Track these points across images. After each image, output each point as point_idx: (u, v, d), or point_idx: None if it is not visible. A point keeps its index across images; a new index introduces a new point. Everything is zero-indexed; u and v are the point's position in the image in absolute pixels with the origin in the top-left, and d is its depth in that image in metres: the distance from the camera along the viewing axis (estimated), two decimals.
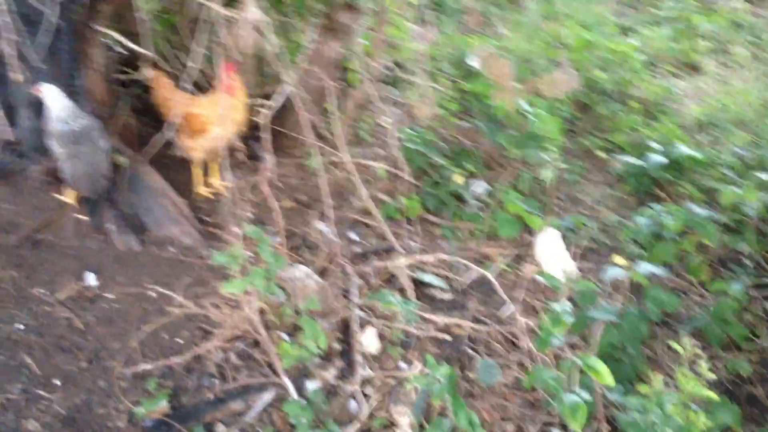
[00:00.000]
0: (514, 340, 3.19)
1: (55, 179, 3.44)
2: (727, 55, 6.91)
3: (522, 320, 2.86)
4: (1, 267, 3.13)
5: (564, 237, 3.84)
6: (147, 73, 3.73)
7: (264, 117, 3.25)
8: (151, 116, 4.15)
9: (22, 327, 2.86)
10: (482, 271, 3.17)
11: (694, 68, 6.78)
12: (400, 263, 3.34)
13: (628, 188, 4.61)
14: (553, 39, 6.06)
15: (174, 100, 3.80)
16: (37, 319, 2.92)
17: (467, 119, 4.98)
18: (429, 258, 3.42)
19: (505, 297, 3.00)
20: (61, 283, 3.12)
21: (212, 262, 2.83)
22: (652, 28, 7.28)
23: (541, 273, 3.52)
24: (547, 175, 4.09)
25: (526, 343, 2.88)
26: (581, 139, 5.22)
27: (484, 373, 2.80)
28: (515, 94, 4.00)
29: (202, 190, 3.93)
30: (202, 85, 4.08)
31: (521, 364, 3.06)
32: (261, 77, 4.51)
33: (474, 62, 4.39)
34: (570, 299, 2.80)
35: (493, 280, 3.01)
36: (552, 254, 3.75)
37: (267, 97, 3.65)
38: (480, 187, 4.30)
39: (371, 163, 4.26)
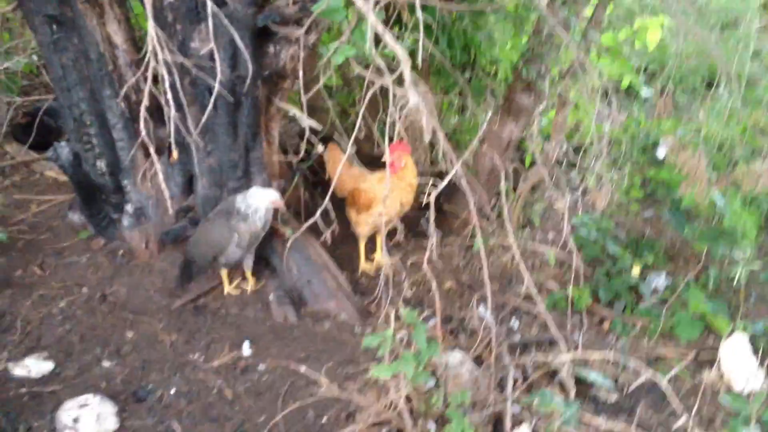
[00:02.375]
0: None
1: None
2: None
3: None
4: (164, 329, 3.38)
5: (753, 344, 3.49)
6: (319, 148, 3.94)
7: (431, 196, 3.29)
8: (323, 190, 4.39)
9: (173, 391, 3.03)
10: (654, 374, 2.94)
11: None
12: (562, 359, 3.18)
13: None
14: (753, 125, 5.66)
15: (345, 175, 3.97)
16: (189, 384, 3.08)
17: (652, 208, 4.75)
18: (596, 355, 3.23)
19: (678, 405, 2.75)
20: (217, 351, 3.29)
21: (363, 345, 2.85)
22: None
23: (727, 391, 3.25)
24: (737, 273, 3.76)
25: None
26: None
27: None
28: (707, 184, 3.75)
29: (366, 266, 4.03)
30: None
31: None
32: (432, 156, 4.60)
33: (662, 150, 4.20)
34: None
35: (665, 384, 2.78)
36: (738, 363, 3.41)
37: (439, 175, 3.73)
38: (659, 280, 4.05)
39: (540, 248, 4.19)
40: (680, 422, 3.05)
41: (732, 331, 3.55)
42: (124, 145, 3.70)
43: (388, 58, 3.40)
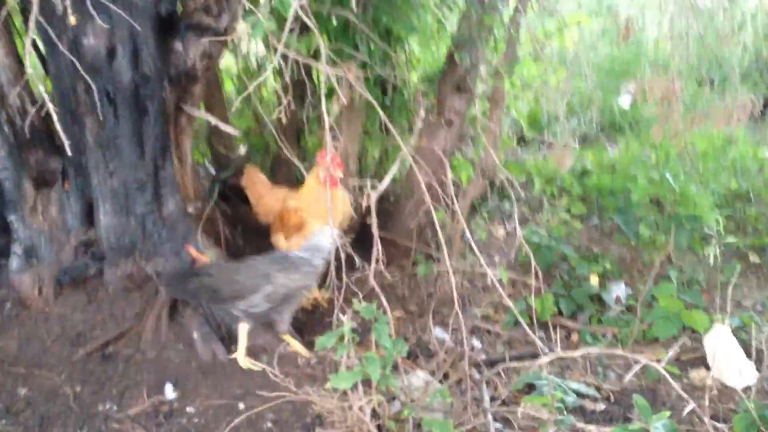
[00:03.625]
0: None
1: (136, 285, 3.22)
2: None
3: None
4: (65, 382, 2.86)
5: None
6: (241, 149, 3.59)
7: (370, 200, 3.00)
8: (243, 229, 4.02)
9: None
10: (648, 362, 2.62)
11: None
12: (541, 362, 2.83)
13: None
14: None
15: (268, 197, 3.63)
16: None
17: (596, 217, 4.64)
18: (575, 354, 2.90)
19: (684, 395, 2.46)
20: (134, 398, 2.78)
21: (317, 346, 2.44)
22: None
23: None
24: (710, 252, 3.58)
25: None
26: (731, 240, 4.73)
27: None
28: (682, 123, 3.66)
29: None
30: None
31: None
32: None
33: (626, 98, 4.11)
34: None
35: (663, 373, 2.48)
36: (726, 357, 3.17)
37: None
38: (620, 289, 3.86)
39: (488, 270, 3.94)
40: (689, 408, 2.76)
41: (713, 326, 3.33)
42: (8, 175, 3.22)
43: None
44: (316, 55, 2.87)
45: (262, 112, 4.13)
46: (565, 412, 2.67)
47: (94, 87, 2.72)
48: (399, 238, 4.08)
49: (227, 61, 4.84)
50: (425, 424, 2.39)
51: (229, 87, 4.91)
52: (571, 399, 2.83)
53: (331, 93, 3.42)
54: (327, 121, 2.54)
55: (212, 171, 3.93)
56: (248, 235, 4.02)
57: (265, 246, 3.87)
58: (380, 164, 4.69)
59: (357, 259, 2.90)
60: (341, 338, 2.42)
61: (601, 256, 4.09)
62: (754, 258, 4.45)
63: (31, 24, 2.37)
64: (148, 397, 2.77)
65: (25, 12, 3.48)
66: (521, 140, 6.26)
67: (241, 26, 3.33)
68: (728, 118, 3.84)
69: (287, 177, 4.26)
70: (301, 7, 2.48)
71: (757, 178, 5.31)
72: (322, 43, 2.57)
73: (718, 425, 2.50)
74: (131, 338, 3.12)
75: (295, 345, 3.11)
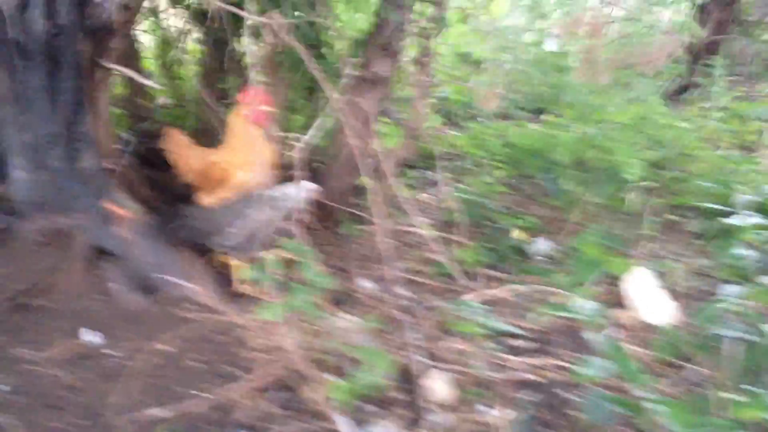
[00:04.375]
0: None
1: (50, 239, 3.22)
2: None
3: None
4: None
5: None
6: (160, 99, 3.61)
7: (299, 152, 3.08)
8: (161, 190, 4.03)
9: (6, 388, 2.52)
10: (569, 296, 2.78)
11: (749, 149, 6.68)
12: (468, 298, 2.95)
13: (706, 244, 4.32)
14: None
15: (190, 157, 3.65)
16: (23, 377, 2.59)
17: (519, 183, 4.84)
18: (500, 292, 3.04)
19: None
20: (54, 343, 2.79)
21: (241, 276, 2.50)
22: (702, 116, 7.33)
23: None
24: (631, 199, 3.77)
25: None
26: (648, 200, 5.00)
27: (594, 409, 2.36)
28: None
29: (221, 257, 3.65)
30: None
31: None
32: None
33: (551, 42, 4.26)
34: None
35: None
36: (647, 295, 3.35)
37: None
38: (542, 243, 4.04)
39: (414, 229, 4.08)
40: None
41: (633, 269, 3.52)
42: None
43: None
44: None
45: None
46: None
47: (4, 38, 2.74)
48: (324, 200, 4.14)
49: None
50: (356, 352, 2.47)
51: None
52: (495, 324, 2.95)
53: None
54: (251, 55, 2.59)
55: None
56: (169, 199, 4.03)
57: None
58: (306, 131, 4.75)
59: None
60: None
61: (525, 213, 4.25)
62: (670, 216, 4.71)
63: None
64: (68, 342, 2.77)
65: None
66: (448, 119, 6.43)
67: None
68: (650, 61, 4.05)
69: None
70: None
71: (673, 147, 5.59)
72: None
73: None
74: (48, 290, 3.11)
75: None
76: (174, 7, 4.54)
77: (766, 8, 10.57)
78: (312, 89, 4.60)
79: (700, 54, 8.55)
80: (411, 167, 5.25)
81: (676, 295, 3.41)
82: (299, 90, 4.56)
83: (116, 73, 3.48)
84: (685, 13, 8.16)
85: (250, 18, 2.83)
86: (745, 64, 9.77)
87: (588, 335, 2.74)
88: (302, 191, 3.24)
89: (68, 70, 3.06)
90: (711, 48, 8.69)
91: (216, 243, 3.32)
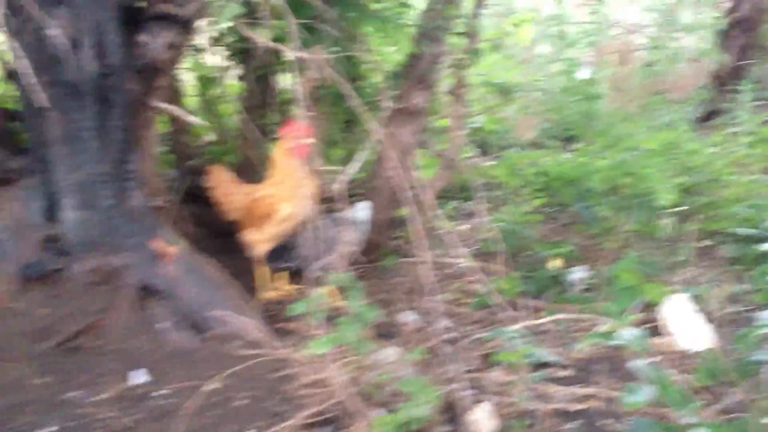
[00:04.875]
0: None
1: (102, 279, 3.17)
2: None
3: None
4: (31, 374, 2.78)
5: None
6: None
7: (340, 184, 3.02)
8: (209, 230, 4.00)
9: (55, 428, 2.44)
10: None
11: None
12: (511, 329, 2.86)
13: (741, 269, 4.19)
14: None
15: (234, 194, 3.62)
16: (75, 420, 2.50)
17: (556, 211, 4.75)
18: (543, 321, 2.94)
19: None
20: (104, 384, 2.72)
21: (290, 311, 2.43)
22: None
23: None
24: (665, 225, 3.67)
25: None
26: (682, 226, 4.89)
27: None
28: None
29: (268, 294, 3.59)
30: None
31: None
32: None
33: (585, 71, 4.22)
34: None
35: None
36: (684, 321, 3.24)
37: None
38: (581, 272, 3.93)
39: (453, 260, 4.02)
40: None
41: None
42: None
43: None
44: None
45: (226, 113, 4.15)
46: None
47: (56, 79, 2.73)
48: None
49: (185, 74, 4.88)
50: (401, 385, 2.39)
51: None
52: (541, 353, 2.87)
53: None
54: (298, 90, 2.55)
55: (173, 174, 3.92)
56: (216, 236, 4.01)
57: (233, 246, 3.87)
58: (345, 164, 4.72)
59: None
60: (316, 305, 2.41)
61: (562, 242, 4.16)
62: (705, 242, 4.58)
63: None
64: (118, 383, 2.71)
65: None
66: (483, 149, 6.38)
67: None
68: (677, 88, 3.97)
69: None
70: None
71: (704, 173, 5.48)
72: (291, 19, 2.59)
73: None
74: (98, 331, 3.05)
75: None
76: (215, 45, 4.53)
77: None
78: (350, 122, 4.56)
79: (725, 79, 8.42)
80: (449, 198, 5.17)
81: (713, 321, 3.30)
82: (338, 123, 4.52)
83: (162, 111, 3.45)
84: (708, 40, 8.08)
85: (292, 54, 2.78)
86: None
87: (632, 363, 2.64)
88: (365, 211, 3.15)
89: (118, 109, 3.05)
90: (736, 73, 8.55)
91: (315, 269, 3.25)
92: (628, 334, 2.53)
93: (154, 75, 3.22)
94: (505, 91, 5.34)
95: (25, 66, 2.69)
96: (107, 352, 2.95)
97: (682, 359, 3.06)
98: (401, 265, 3.98)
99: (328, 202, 3.71)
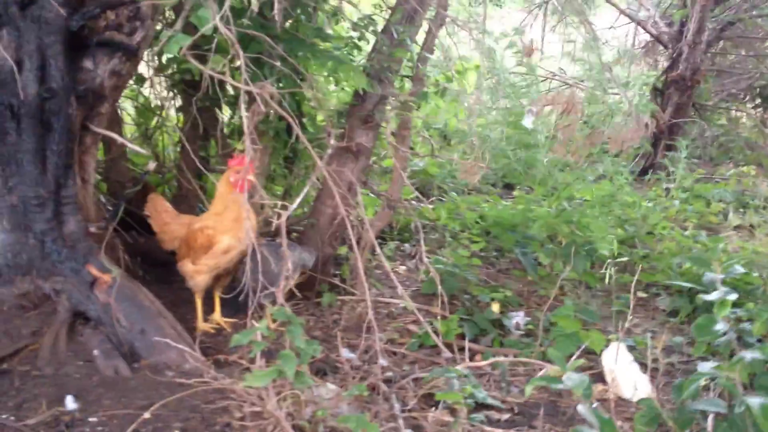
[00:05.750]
0: None
1: (33, 303, 3.21)
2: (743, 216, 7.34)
3: None
4: None
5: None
6: (150, 165, 3.66)
7: (281, 219, 3.13)
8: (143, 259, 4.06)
9: None
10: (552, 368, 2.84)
11: (713, 229, 6.94)
12: (455, 371, 2.99)
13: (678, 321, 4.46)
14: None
15: (173, 224, 3.69)
16: None
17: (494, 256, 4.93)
18: (483, 364, 3.09)
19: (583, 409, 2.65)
20: (32, 410, 2.74)
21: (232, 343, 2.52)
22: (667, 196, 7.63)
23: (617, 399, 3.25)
24: (604, 275, 3.90)
25: None
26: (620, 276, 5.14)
27: None
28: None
29: (204, 325, 3.66)
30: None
31: None
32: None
33: (529, 119, 4.46)
34: None
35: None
36: (622, 370, 3.44)
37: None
38: (520, 316, 4.11)
39: (392, 300, 4.17)
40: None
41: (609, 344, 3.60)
42: None
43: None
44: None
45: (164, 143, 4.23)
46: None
47: None
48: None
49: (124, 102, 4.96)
50: (340, 421, 2.49)
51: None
52: (481, 395, 2.99)
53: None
54: (246, 123, 2.67)
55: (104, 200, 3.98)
56: (150, 265, 4.06)
57: (167, 276, 3.93)
58: (284, 199, 4.83)
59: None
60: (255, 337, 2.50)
61: (501, 287, 4.34)
62: (641, 293, 4.83)
63: None
64: (47, 409, 2.73)
65: None
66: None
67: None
68: (615, 141, 4.24)
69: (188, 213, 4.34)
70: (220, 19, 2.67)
71: (641, 226, 5.79)
72: (241, 53, 2.73)
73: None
74: (27, 356, 3.07)
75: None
76: (157, 75, 4.63)
77: (722, 94, 11.08)
78: (291, 158, 4.69)
79: (662, 135, 8.90)
80: (389, 238, 5.34)
81: (651, 370, 3.49)
82: (280, 158, 4.65)
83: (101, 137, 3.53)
84: (645, 96, 8.51)
85: (240, 87, 2.91)
86: (705, 146, 10.18)
87: (579, 408, 2.79)
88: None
89: (59, 133, 3.13)
90: (672, 130, 9.04)
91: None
92: (574, 378, 2.67)
93: (96, 101, 3.30)
94: (446, 136, 5.57)
95: None
96: (36, 377, 2.96)
97: (622, 406, 3.25)
98: (340, 302, 4.09)
99: (267, 236, 3.83)
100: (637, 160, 9.02)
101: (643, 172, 8.85)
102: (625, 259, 4.85)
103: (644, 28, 10.23)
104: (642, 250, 5.39)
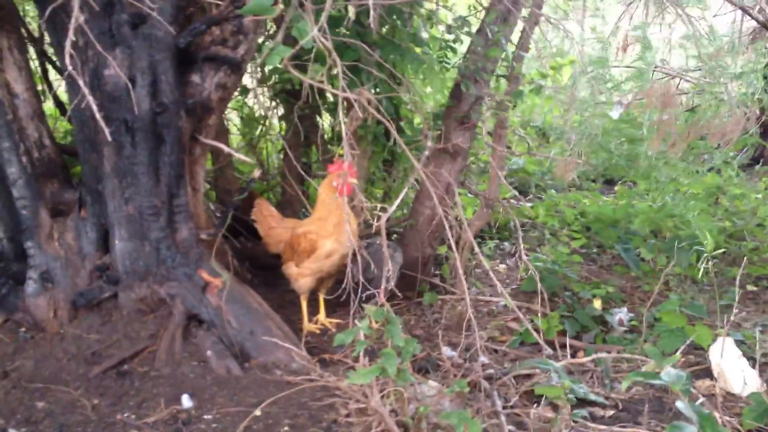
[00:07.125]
0: None
1: (150, 308, 3.37)
2: None
3: None
4: (83, 396, 2.95)
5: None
6: (256, 173, 3.77)
7: (381, 220, 3.17)
8: (251, 264, 4.20)
9: None
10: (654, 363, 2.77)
11: None
12: (553, 365, 2.96)
13: None
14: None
15: (278, 228, 3.80)
16: None
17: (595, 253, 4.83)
18: (585, 360, 3.05)
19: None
20: (151, 408, 2.88)
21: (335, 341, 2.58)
22: None
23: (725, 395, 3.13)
24: (709, 269, 3.77)
25: None
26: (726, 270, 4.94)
27: None
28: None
29: (310, 326, 3.75)
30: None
31: None
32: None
33: (617, 110, 4.37)
34: None
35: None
36: (730, 365, 3.30)
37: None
38: (623, 312, 4.03)
39: (492, 298, 4.16)
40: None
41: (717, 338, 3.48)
42: (26, 204, 3.36)
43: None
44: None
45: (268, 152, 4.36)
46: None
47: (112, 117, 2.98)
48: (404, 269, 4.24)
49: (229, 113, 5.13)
50: (443, 417, 2.50)
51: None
52: (581, 390, 2.95)
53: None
54: (344, 129, 2.73)
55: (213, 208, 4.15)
56: (256, 269, 4.20)
57: (273, 279, 4.04)
58: (383, 201, 4.89)
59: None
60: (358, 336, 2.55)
61: (602, 283, 4.26)
62: (750, 287, 4.64)
63: (67, 59, 2.56)
64: (165, 408, 2.87)
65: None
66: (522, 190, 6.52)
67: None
68: (721, 133, 4.09)
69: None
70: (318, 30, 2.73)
71: (750, 219, 5.56)
72: (338, 61, 2.78)
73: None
74: (146, 357, 3.24)
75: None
76: (260, 86, 4.78)
77: None
78: (390, 162, 4.74)
79: None
80: (488, 237, 5.32)
81: (760, 365, 3.35)
82: (378, 162, 4.71)
83: (209, 148, 3.67)
84: (754, 86, 8.12)
85: (339, 94, 2.97)
86: None
87: (678, 404, 2.71)
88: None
89: (170, 145, 3.26)
90: None
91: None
92: (671, 374, 2.61)
93: (204, 113, 3.44)
94: (544, 133, 5.50)
95: (88, 103, 2.93)
96: (155, 377, 3.12)
97: (729, 401, 3.14)
98: (440, 301, 4.11)
99: (367, 238, 3.89)
100: (745, 151, 8.65)
101: (751, 163, 8.47)
102: (731, 252, 4.65)
103: (750, 15, 9.76)
104: (751, 242, 5.18)
